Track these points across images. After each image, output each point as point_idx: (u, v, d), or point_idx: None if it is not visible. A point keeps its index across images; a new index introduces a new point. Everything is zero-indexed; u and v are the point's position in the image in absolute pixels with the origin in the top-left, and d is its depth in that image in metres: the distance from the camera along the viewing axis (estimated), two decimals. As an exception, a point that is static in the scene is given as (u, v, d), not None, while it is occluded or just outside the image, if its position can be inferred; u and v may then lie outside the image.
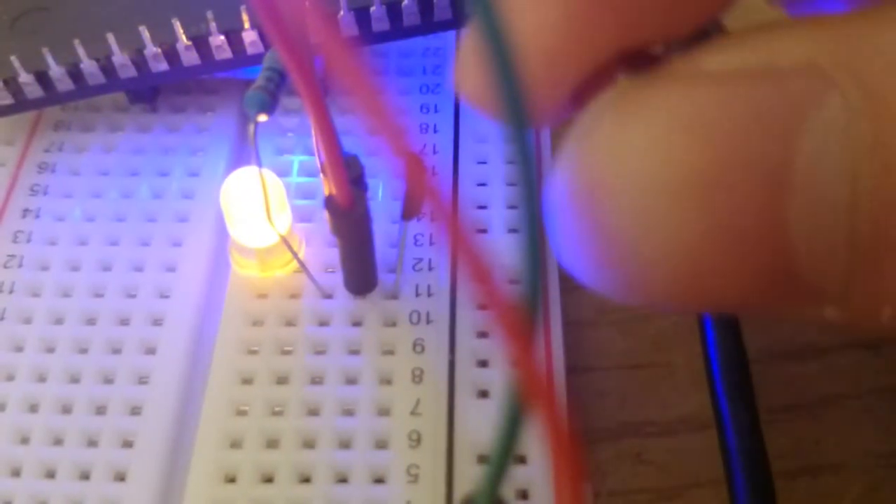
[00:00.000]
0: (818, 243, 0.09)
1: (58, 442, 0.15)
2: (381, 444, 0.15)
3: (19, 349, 0.16)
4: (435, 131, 0.19)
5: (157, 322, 0.17)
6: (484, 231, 0.18)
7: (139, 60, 0.17)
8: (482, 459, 0.15)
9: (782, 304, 0.09)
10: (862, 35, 0.09)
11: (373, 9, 0.17)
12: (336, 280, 0.17)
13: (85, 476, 0.15)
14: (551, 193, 0.10)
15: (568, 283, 0.18)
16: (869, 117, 0.08)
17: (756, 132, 0.09)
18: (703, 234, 0.09)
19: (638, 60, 0.10)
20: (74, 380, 0.16)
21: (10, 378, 0.16)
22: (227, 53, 0.17)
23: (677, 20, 0.10)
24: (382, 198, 0.18)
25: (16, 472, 0.15)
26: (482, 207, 0.18)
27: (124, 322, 0.17)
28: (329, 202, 0.15)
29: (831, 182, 0.09)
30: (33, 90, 0.18)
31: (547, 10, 0.10)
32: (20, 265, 0.17)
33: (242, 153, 0.19)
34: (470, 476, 0.15)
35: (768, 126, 0.09)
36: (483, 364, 0.16)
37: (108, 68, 0.17)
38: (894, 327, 0.09)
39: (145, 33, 0.17)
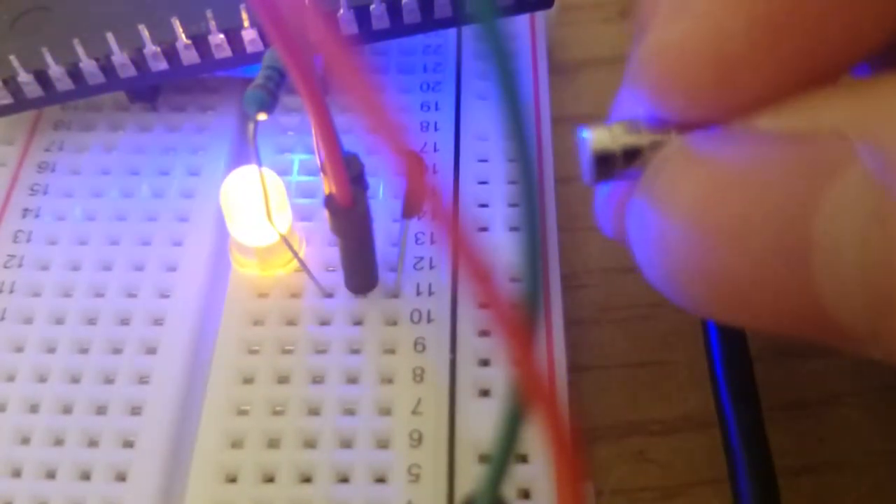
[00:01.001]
0: (841, 293, 0.10)
1: (58, 442, 0.15)
2: (383, 444, 0.15)
3: (20, 349, 0.16)
4: (436, 129, 0.19)
5: (157, 322, 0.17)
6: (485, 229, 0.18)
7: (139, 60, 0.17)
8: (483, 459, 0.15)
9: (824, 338, 0.10)
10: (890, 104, 0.09)
11: (373, 7, 0.17)
12: (337, 279, 0.17)
13: (86, 476, 0.15)
14: (634, 217, 0.12)
15: (570, 282, 0.18)
16: (879, 189, 0.09)
17: (787, 190, 0.10)
18: (743, 274, 0.10)
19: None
20: (75, 380, 0.16)
21: (11, 378, 0.16)
22: (226, 52, 0.17)
23: (864, 36, 0.10)
24: (383, 196, 0.18)
25: (16, 473, 0.15)
26: (483, 206, 0.18)
27: (125, 322, 0.17)
28: (329, 201, 0.15)
29: (846, 243, 0.09)
30: (33, 89, 0.17)
31: (734, 15, 0.10)
32: (20, 265, 0.17)
33: (243, 152, 0.19)
34: (471, 475, 0.15)
35: (797, 186, 0.10)
36: (484, 363, 0.16)
37: (107, 68, 0.17)
38: None
39: (145, 32, 0.17)
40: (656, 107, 0.11)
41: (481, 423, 0.15)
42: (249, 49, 0.17)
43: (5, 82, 0.17)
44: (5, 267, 0.17)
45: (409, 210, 0.16)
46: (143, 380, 0.16)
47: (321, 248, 0.17)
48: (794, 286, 0.10)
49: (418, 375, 0.16)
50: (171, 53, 0.17)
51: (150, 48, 0.17)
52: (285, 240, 0.16)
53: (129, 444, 0.15)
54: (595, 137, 0.12)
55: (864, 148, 0.09)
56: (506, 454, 0.10)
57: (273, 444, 0.15)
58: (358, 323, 0.17)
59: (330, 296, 0.17)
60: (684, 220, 0.10)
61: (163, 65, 0.17)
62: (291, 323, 0.17)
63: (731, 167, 0.10)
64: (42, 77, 0.17)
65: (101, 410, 0.16)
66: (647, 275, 0.12)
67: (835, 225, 0.09)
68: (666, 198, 0.11)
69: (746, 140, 0.10)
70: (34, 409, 0.16)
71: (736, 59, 0.10)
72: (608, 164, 0.12)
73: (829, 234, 0.09)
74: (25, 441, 0.15)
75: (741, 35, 0.10)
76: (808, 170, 0.10)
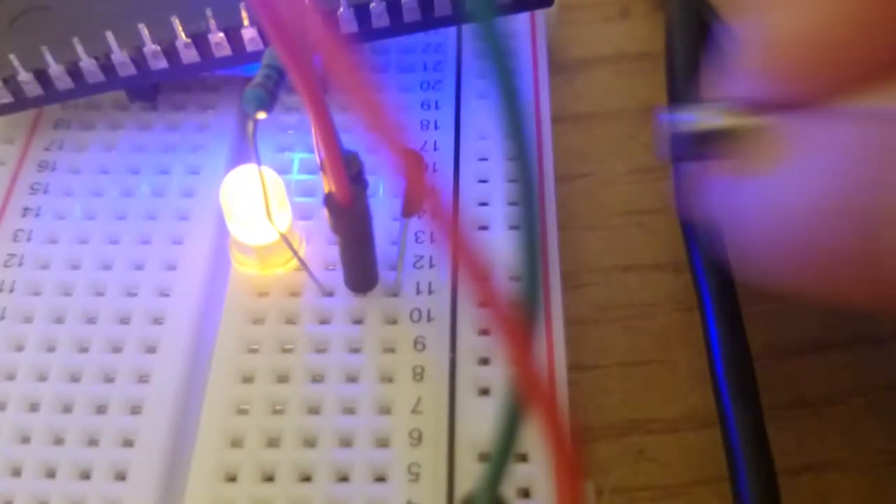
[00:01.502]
0: None
1: (58, 441, 0.15)
2: (382, 443, 0.15)
3: (19, 348, 0.16)
4: (436, 128, 0.19)
5: (157, 320, 0.17)
6: (485, 228, 0.18)
7: (139, 58, 0.17)
8: (483, 457, 0.15)
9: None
10: None
11: (372, 5, 0.17)
12: (336, 278, 0.17)
13: (85, 475, 0.15)
14: (731, 195, 0.12)
15: (569, 281, 0.18)
16: None
17: (865, 166, 0.10)
18: (830, 249, 0.11)
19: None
20: (75, 379, 0.16)
21: (11, 377, 0.16)
22: (226, 51, 0.17)
23: None
24: (383, 195, 0.18)
25: (16, 472, 0.15)
26: (483, 204, 0.18)
27: (124, 321, 0.17)
28: (329, 199, 0.15)
29: None
30: (33, 88, 0.17)
31: (847, 6, 0.11)
32: (20, 264, 0.17)
33: (243, 151, 0.19)
34: (471, 474, 0.15)
35: (874, 163, 0.10)
36: (484, 362, 0.16)
37: (107, 66, 0.17)
38: None
39: (145, 31, 0.17)
40: (765, 88, 0.12)
41: (481, 421, 0.15)
42: (249, 48, 0.17)
43: (5, 81, 0.17)
44: (5, 266, 0.17)
45: (409, 209, 0.16)
46: (142, 379, 0.16)
47: (321, 246, 0.17)
48: (863, 264, 0.10)
49: (418, 374, 0.16)
50: (170, 52, 0.17)
51: (150, 47, 0.17)
52: (285, 238, 0.16)
53: (128, 443, 0.15)
54: (697, 117, 0.12)
55: None
56: (505, 453, 0.10)
57: (273, 442, 0.15)
58: (358, 322, 0.17)
59: (330, 294, 0.17)
60: (791, 198, 0.11)
61: (162, 63, 0.17)
62: (291, 322, 0.17)
63: (832, 147, 0.11)
64: (42, 76, 0.17)
65: (100, 409, 0.16)
66: (741, 249, 0.12)
67: None
68: (773, 176, 0.11)
69: (838, 120, 0.11)
70: (34, 407, 0.16)
71: (846, 41, 0.11)
72: (705, 144, 0.12)
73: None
74: (25, 440, 0.15)
75: (850, 18, 0.10)
76: (884, 150, 0.10)
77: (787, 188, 0.11)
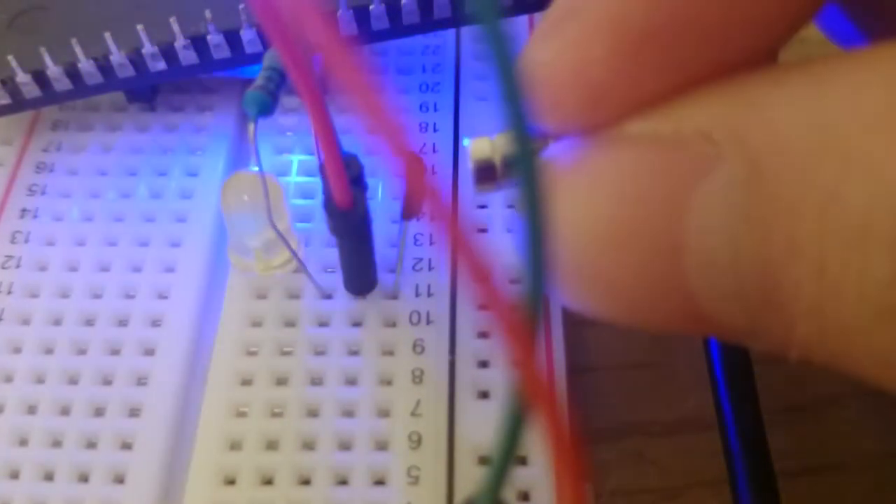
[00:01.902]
0: (716, 294, 0.10)
1: (56, 444, 0.15)
2: (382, 446, 0.15)
3: (17, 350, 0.16)
4: (435, 130, 0.19)
5: (155, 323, 0.17)
6: (484, 230, 0.18)
7: (137, 60, 0.17)
8: (483, 461, 0.15)
9: (717, 333, 0.11)
10: (757, 102, 0.10)
11: (372, 7, 0.17)
12: (335, 280, 0.17)
13: (84, 478, 0.15)
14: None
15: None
16: (745, 188, 0.09)
17: (655, 194, 0.10)
18: (623, 277, 0.10)
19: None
20: (73, 381, 0.16)
21: (9, 379, 0.16)
22: (225, 52, 0.17)
23: (727, 55, 0.10)
24: (382, 197, 0.18)
25: (14, 475, 0.15)
26: (482, 207, 0.18)
27: (123, 323, 0.17)
28: (328, 202, 0.15)
29: (716, 244, 0.09)
30: (31, 90, 0.17)
31: (596, 45, 0.10)
32: (18, 266, 0.17)
33: (241, 153, 0.19)
34: (471, 477, 0.15)
35: (665, 190, 0.10)
36: (484, 364, 0.16)
37: (105, 68, 0.17)
38: (811, 362, 0.10)
39: (143, 32, 0.17)
40: (543, 118, 0.11)
41: (480, 424, 0.15)
42: (248, 49, 0.17)
43: (3, 83, 0.17)
44: (3, 268, 0.17)
45: (409, 211, 0.16)
46: (141, 381, 0.16)
47: (320, 249, 0.17)
48: (672, 288, 0.10)
49: (417, 377, 0.16)
50: (169, 53, 0.17)
51: (149, 48, 0.17)
52: (284, 241, 0.16)
53: (127, 446, 0.15)
54: (475, 147, 0.12)
55: (729, 148, 0.09)
56: (506, 456, 0.10)
57: (272, 445, 0.15)
58: (357, 324, 0.17)
59: (329, 297, 0.17)
60: (561, 230, 0.10)
61: (161, 65, 0.17)
62: (290, 324, 0.17)
63: (601, 174, 0.10)
64: (40, 77, 0.17)
65: (99, 412, 0.16)
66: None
67: (704, 227, 0.10)
68: (558, 205, 0.11)
69: (617, 146, 0.11)
70: (32, 410, 0.16)
71: (600, 83, 0.10)
72: (489, 175, 0.12)
73: (699, 236, 0.10)
74: (24, 442, 0.15)
75: (604, 61, 0.10)
76: (674, 173, 0.10)
77: (571, 217, 0.10)
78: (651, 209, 0.10)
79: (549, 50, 0.11)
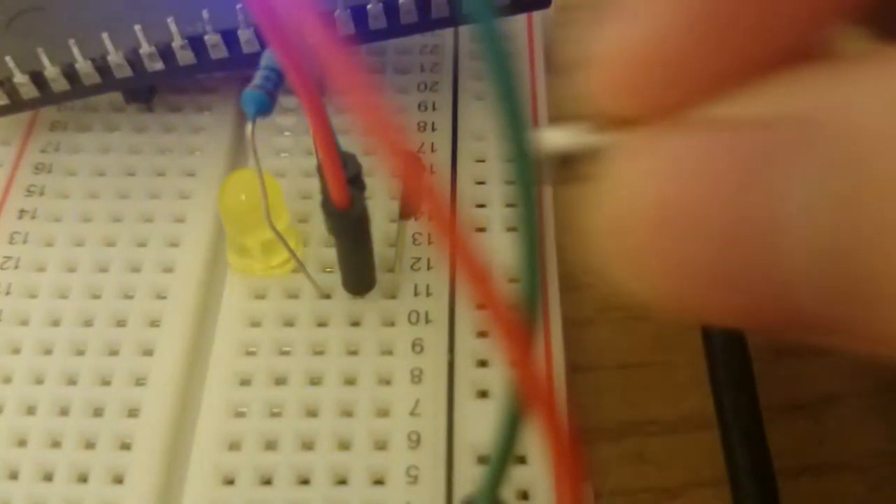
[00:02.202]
0: (809, 284, 0.09)
1: (55, 444, 0.15)
2: (381, 445, 0.15)
3: (16, 351, 0.16)
4: (433, 129, 0.19)
5: (154, 323, 0.17)
6: (482, 230, 0.18)
7: (135, 60, 0.17)
8: (482, 460, 0.15)
9: (793, 331, 0.10)
10: (859, 85, 0.09)
11: (370, 6, 0.17)
12: (334, 280, 0.17)
13: (83, 478, 0.15)
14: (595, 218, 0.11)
15: (568, 282, 0.18)
16: (845, 170, 0.09)
17: (749, 178, 0.09)
18: (709, 265, 0.10)
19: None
20: (71, 382, 0.16)
21: (7, 380, 0.16)
22: (222, 52, 0.17)
23: (806, 35, 0.10)
24: (380, 197, 0.18)
25: (13, 475, 0.15)
26: (481, 206, 0.18)
27: (121, 323, 0.17)
28: (326, 202, 0.15)
29: (816, 230, 0.09)
30: (29, 90, 0.17)
31: (676, 12, 0.10)
32: (16, 266, 0.17)
33: (239, 153, 0.19)
34: (470, 477, 0.15)
35: (760, 173, 0.09)
36: (483, 364, 0.16)
37: (103, 68, 0.17)
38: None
39: (141, 33, 0.17)
40: (610, 108, 0.11)
41: (480, 424, 0.15)
42: (245, 49, 0.17)
43: (1, 83, 0.17)
44: (2, 269, 0.17)
45: (407, 211, 0.16)
46: (139, 382, 0.16)
47: (318, 249, 0.17)
48: (762, 278, 0.10)
49: (416, 376, 0.16)
50: (167, 54, 0.17)
51: (146, 48, 0.17)
52: (283, 241, 0.16)
53: (126, 447, 0.15)
54: (551, 138, 0.12)
55: (827, 129, 0.09)
56: (505, 455, 0.10)
57: (270, 445, 0.15)
58: (355, 324, 0.17)
59: (327, 297, 0.17)
60: (644, 215, 0.10)
61: (158, 65, 0.17)
62: (289, 324, 0.17)
63: (690, 159, 0.10)
64: (38, 78, 0.17)
65: (98, 412, 0.16)
66: (612, 275, 0.12)
67: (801, 210, 0.09)
68: (625, 193, 0.11)
69: (703, 129, 0.10)
70: (31, 410, 0.16)
71: (683, 58, 0.10)
72: (566, 166, 0.12)
73: (796, 219, 0.09)
74: (22, 443, 0.15)
75: (684, 33, 0.10)
76: (770, 156, 0.10)
77: (649, 202, 0.10)
78: (744, 193, 0.10)
79: (622, 31, 0.10)
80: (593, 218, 0.11)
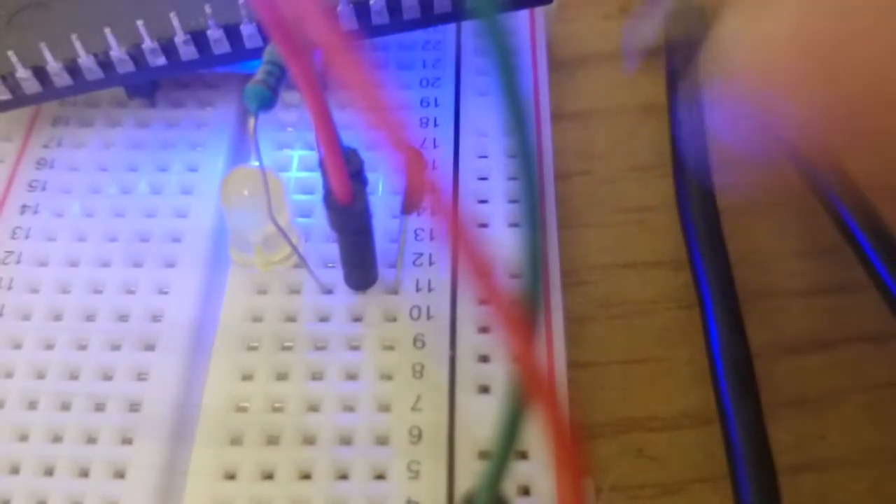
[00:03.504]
0: None
1: (57, 439, 0.15)
2: (382, 441, 0.15)
3: (18, 346, 0.16)
4: (435, 125, 0.19)
5: (156, 318, 0.17)
6: (485, 225, 0.18)
7: (137, 55, 0.17)
8: (483, 455, 0.15)
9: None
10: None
11: (372, 2, 0.17)
12: (336, 275, 0.17)
13: (84, 473, 0.15)
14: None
15: (569, 278, 0.18)
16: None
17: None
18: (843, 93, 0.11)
19: None
20: (73, 376, 0.16)
21: (9, 375, 0.16)
22: (225, 48, 0.17)
23: None
24: (382, 192, 0.18)
25: (14, 470, 0.15)
26: (483, 202, 0.18)
27: (123, 318, 0.17)
28: (328, 197, 0.15)
29: None
30: (31, 85, 0.17)
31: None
32: (18, 261, 0.17)
33: (242, 148, 0.19)
34: (471, 472, 0.15)
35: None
36: (484, 359, 0.16)
37: (105, 63, 0.17)
38: None
39: (143, 28, 0.17)
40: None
41: (481, 419, 0.15)
42: (248, 45, 0.17)
43: (3, 78, 0.17)
44: (3, 263, 0.17)
45: (409, 206, 0.15)
46: (141, 376, 0.16)
47: (320, 244, 0.17)
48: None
49: (418, 372, 0.16)
50: (169, 49, 0.17)
51: (149, 43, 0.17)
52: (285, 236, 0.16)
53: (127, 441, 0.15)
54: (639, 28, 0.12)
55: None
56: (506, 451, 0.10)
57: (272, 440, 0.15)
58: (357, 319, 0.17)
59: (329, 292, 0.17)
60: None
61: (161, 60, 0.17)
62: (290, 319, 0.17)
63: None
64: (40, 73, 0.17)
65: (99, 407, 0.16)
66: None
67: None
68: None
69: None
70: (32, 405, 0.16)
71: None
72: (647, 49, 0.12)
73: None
74: (24, 438, 0.15)
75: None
76: None
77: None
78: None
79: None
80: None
